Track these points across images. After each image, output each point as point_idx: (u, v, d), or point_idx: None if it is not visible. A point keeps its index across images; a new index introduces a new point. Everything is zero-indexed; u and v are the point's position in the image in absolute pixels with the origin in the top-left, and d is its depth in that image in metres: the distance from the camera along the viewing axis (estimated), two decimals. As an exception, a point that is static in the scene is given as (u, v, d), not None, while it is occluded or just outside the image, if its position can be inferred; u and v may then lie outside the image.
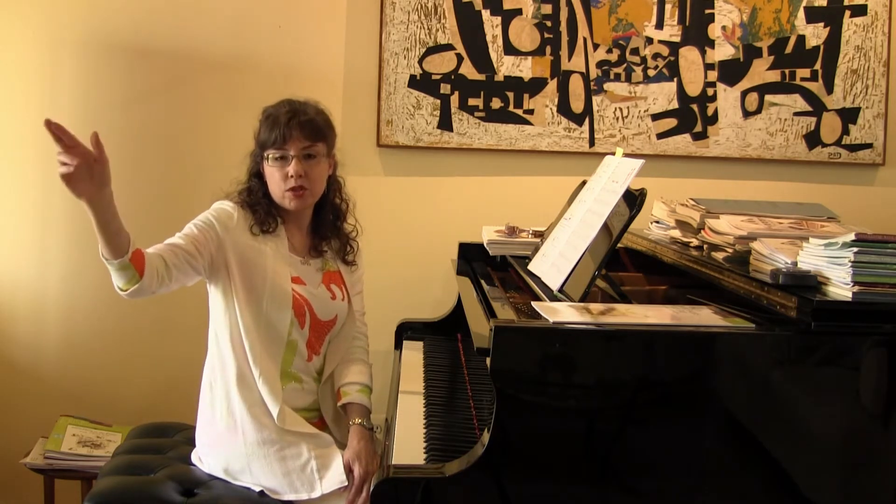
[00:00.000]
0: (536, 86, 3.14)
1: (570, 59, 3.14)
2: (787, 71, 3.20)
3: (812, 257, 1.80)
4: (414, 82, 3.10)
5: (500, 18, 3.11)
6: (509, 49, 3.12)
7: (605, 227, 2.03)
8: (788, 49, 3.19)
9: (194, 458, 2.17)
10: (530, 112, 3.14)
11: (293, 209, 2.14)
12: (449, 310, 2.86)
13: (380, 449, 2.11)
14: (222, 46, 3.07)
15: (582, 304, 1.88)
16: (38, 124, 3.00)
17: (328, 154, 2.17)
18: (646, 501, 1.72)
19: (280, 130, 2.09)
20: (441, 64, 3.11)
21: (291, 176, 2.09)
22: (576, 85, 3.15)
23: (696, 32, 3.17)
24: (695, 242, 2.32)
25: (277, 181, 2.11)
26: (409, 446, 1.92)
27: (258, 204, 2.14)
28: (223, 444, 2.08)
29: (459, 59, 3.11)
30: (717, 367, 1.71)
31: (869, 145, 3.25)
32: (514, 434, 1.68)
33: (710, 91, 3.19)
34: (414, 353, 2.68)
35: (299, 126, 2.10)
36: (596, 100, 3.16)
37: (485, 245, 2.73)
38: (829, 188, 3.23)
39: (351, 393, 2.19)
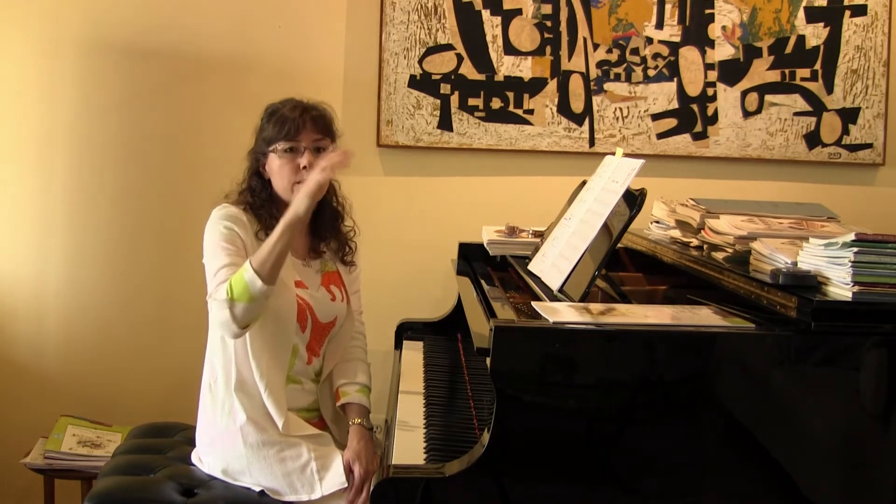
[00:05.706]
0: (536, 86, 3.14)
1: (570, 59, 3.14)
2: (787, 71, 3.20)
3: (812, 257, 1.80)
4: (414, 82, 3.10)
5: (500, 18, 3.11)
6: (509, 49, 3.12)
7: (605, 227, 2.03)
8: (788, 49, 3.19)
9: (194, 458, 2.17)
10: (530, 112, 3.14)
11: None
12: (449, 310, 2.86)
13: (379, 449, 2.11)
14: (223, 46, 3.07)
15: (582, 304, 1.88)
16: (38, 124, 3.06)
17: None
18: (646, 501, 1.72)
19: (293, 123, 2.08)
20: (441, 64, 3.11)
21: (304, 167, 2.08)
22: (576, 85, 3.15)
23: (696, 32, 3.17)
24: (695, 242, 2.32)
25: (286, 174, 2.10)
26: (409, 446, 1.92)
27: (262, 207, 2.13)
28: (223, 444, 2.08)
29: (459, 59, 3.11)
30: (717, 367, 1.71)
31: (869, 145, 3.25)
32: (514, 434, 1.67)
33: (710, 91, 3.19)
34: (414, 353, 2.68)
35: (312, 119, 2.11)
36: (596, 100, 3.16)
37: (485, 245, 2.72)
38: (829, 188, 3.23)
39: (350, 393, 2.19)
